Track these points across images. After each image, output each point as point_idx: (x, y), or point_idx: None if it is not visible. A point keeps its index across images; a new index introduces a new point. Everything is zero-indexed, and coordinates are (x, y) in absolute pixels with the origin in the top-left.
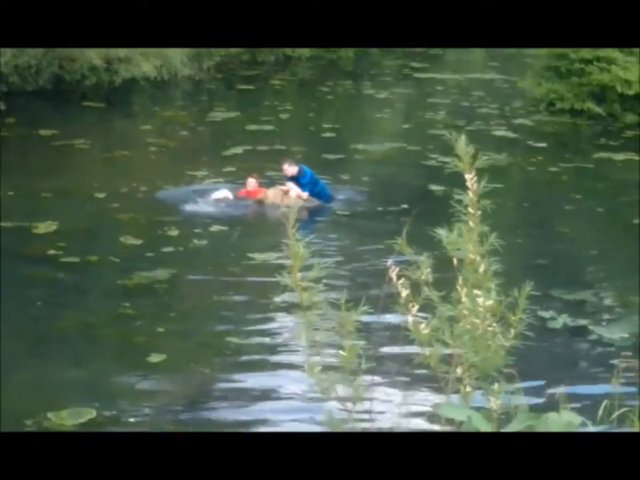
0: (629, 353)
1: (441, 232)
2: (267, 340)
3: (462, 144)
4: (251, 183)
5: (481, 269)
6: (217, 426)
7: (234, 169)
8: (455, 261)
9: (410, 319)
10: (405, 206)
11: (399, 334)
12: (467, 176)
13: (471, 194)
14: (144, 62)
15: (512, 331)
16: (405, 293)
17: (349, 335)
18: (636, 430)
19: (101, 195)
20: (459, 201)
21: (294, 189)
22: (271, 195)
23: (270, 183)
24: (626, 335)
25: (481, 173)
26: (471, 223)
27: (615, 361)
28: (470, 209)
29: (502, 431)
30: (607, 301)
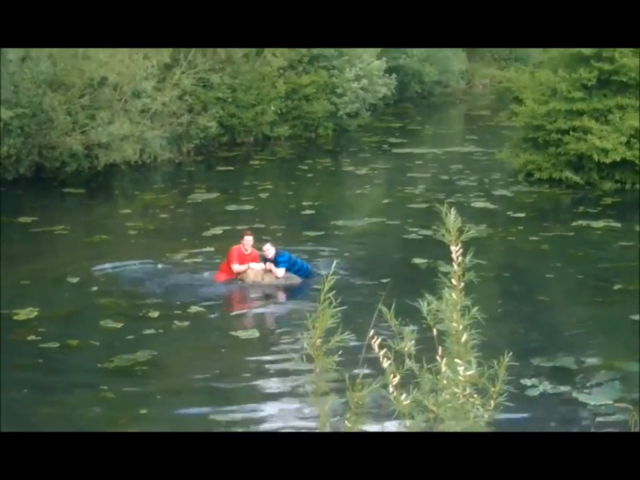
0: (601, 419)
1: (422, 303)
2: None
3: (451, 217)
4: (248, 240)
5: (463, 339)
6: None
7: (212, 249)
8: (435, 332)
9: (391, 389)
10: (387, 279)
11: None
12: (452, 248)
13: (455, 266)
14: (124, 146)
15: (492, 402)
16: (386, 363)
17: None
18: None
19: (80, 279)
20: (445, 273)
21: (272, 268)
22: (252, 274)
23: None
24: (610, 402)
25: (464, 244)
26: (454, 295)
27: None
28: (453, 281)
29: (502, 431)
30: (590, 367)
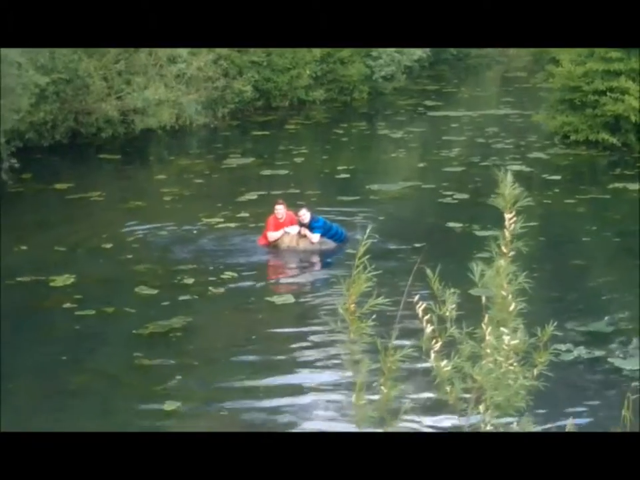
0: (637, 384)
1: (476, 268)
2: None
3: (508, 183)
4: (279, 209)
5: (510, 308)
6: None
7: (247, 215)
8: (483, 299)
9: (432, 354)
10: (422, 244)
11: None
12: (506, 215)
13: (507, 233)
14: (159, 111)
15: (534, 371)
16: (429, 328)
17: (391, 374)
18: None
19: (115, 246)
20: (494, 238)
21: (307, 233)
22: (287, 239)
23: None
24: None
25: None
26: (502, 262)
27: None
28: (503, 249)
29: (502, 431)
30: (625, 332)
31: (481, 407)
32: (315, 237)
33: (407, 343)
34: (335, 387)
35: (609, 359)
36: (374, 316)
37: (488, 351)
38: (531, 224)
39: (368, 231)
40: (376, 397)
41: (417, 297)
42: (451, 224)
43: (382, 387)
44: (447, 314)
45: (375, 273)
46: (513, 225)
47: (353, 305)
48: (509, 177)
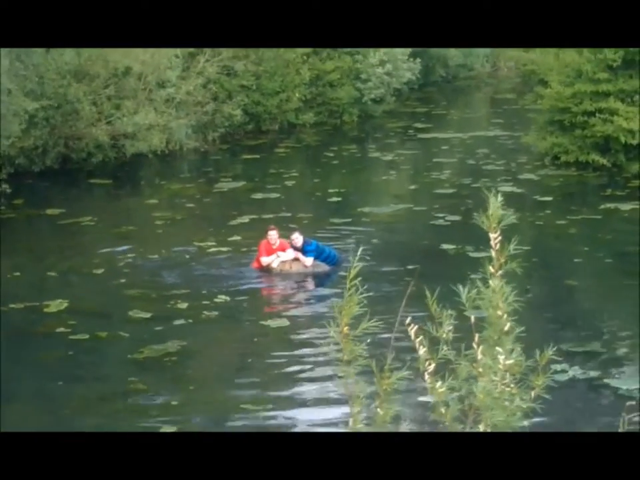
0: (633, 403)
1: (461, 290)
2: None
3: (496, 204)
4: (272, 235)
5: (505, 328)
6: None
7: (239, 238)
8: (473, 319)
9: (427, 376)
10: (415, 266)
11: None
12: (492, 235)
13: (494, 253)
14: (150, 136)
15: (532, 393)
16: (422, 350)
17: (386, 395)
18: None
19: (108, 271)
20: (475, 259)
21: (300, 257)
22: (280, 263)
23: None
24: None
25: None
26: (492, 282)
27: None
28: (491, 269)
29: (502, 431)
30: (618, 352)
31: (481, 427)
32: (309, 261)
33: (403, 364)
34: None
35: (605, 380)
36: (368, 340)
37: (480, 370)
38: (524, 247)
39: (359, 253)
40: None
41: (408, 319)
42: (445, 246)
43: (378, 409)
44: (444, 335)
45: (366, 295)
46: (498, 245)
47: (346, 328)
48: (497, 198)
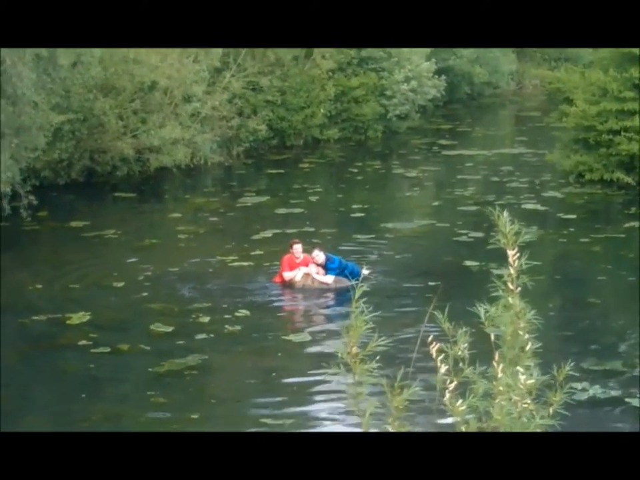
0: None
1: (480, 308)
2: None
3: (505, 220)
4: (297, 248)
5: (525, 346)
6: None
7: (262, 253)
8: (492, 337)
9: (447, 394)
10: (438, 282)
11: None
12: (509, 252)
13: (512, 270)
14: (175, 150)
15: (550, 410)
16: (443, 368)
17: (398, 413)
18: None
19: (130, 284)
20: (499, 277)
21: (320, 277)
22: (301, 278)
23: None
24: None
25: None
26: (510, 300)
27: None
28: (510, 285)
29: (502, 431)
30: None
31: None
32: (329, 279)
33: (419, 381)
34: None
35: (626, 399)
36: (377, 357)
37: (501, 388)
38: (546, 264)
39: (363, 272)
40: None
41: (430, 338)
42: (468, 262)
43: (389, 428)
44: (460, 353)
45: (373, 314)
46: (516, 262)
47: (355, 348)
48: (505, 214)
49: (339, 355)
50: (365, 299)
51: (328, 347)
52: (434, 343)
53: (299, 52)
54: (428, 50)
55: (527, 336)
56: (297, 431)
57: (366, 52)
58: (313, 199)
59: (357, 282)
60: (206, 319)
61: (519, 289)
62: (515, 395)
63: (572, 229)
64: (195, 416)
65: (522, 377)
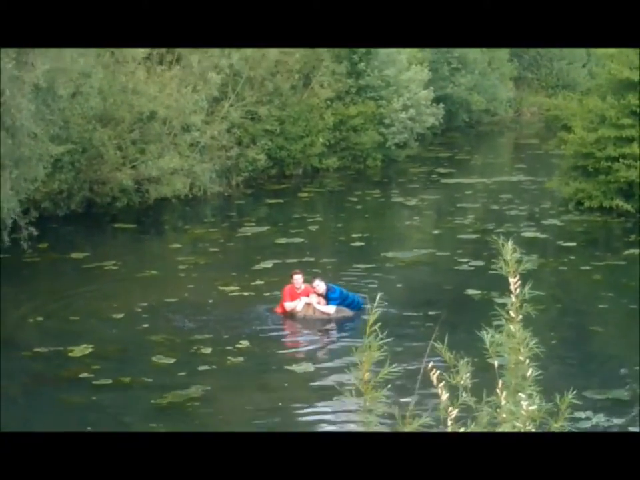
0: None
1: (485, 335)
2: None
3: (509, 249)
4: (298, 279)
5: (526, 373)
6: None
7: (262, 283)
8: (496, 365)
9: (449, 423)
10: (439, 311)
11: None
12: (511, 280)
13: (514, 298)
14: (174, 180)
15: None
16: (445, 396)
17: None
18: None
19: (131, 315)
20: (501, 305)
21: (321, 307)
22: (302, 308)
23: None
24: None
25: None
26: (512, 327)
27: None
28: (512, 313)
29: (502, 431)
30: None
31: None
32: (330, 309)
33: (427, 411)
34: None
35: (630, 428)
36: (388, 386)
37: (504, 415)
38: (547, 293)
39: (377, 299)
40: None
41: (430, 364)
42: (470, 291)
43: None
44: (462, 382)
45: (386, 340)
46: (518, 290)
47: (367, 374)
48: (510, 243)
49: (353, 379)
50: (379, 324)
51: (331, 378)
52: (434, 371)
53: (297, 81)
54: (426, 78)
55: (528, 362)
56: (297, 431)
57: (364, 80)
58: (313, 228)
59: (363, 308)
60: (208, 350)
61: (521, 317)
62: (518, 422)
63: (572, 257)
64: None
65: (524, 404)
